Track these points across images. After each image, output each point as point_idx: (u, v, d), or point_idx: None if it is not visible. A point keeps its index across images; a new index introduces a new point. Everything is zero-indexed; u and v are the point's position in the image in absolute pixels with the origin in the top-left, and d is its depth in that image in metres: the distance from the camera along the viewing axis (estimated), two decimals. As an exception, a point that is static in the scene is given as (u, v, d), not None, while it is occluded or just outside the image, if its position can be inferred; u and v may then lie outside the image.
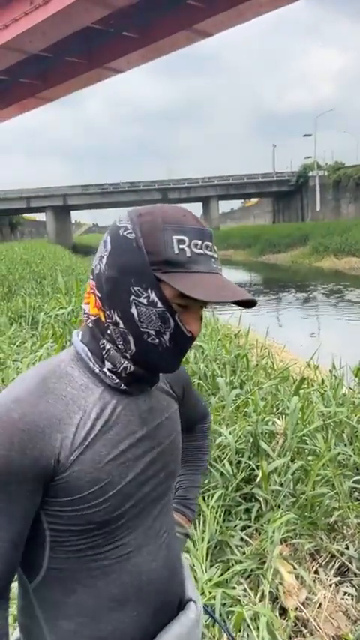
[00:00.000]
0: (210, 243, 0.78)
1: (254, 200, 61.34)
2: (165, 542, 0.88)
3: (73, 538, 0.78)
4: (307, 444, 2.73)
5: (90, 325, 0.82)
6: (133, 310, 0.77)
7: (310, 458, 2.64)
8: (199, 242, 0.76)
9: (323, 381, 3.79)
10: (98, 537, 0.79)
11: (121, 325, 0.78)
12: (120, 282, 0.77)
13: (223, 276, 0.80)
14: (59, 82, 43.21)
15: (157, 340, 0.78)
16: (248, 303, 0.79)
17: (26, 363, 3.45)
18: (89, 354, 0.81)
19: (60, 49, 36.71)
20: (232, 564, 2.08)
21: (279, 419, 2.84)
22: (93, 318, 0.81)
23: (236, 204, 75.86)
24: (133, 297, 0.76)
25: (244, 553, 2.14)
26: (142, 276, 0.76)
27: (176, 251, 0.75)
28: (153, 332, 0.77)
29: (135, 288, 0.76)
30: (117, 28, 35.23)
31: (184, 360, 1.05)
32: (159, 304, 0.76)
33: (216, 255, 0.80)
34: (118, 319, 0.78)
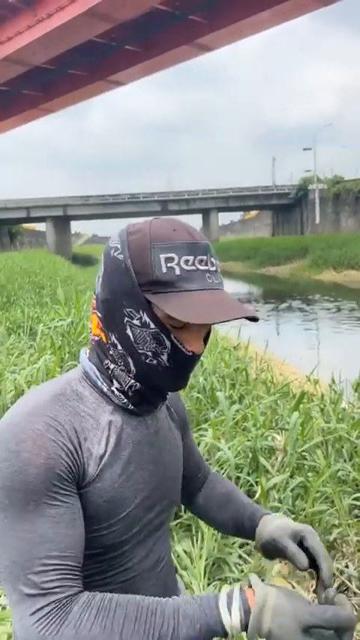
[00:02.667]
0: (204, 257, 0.75)
1: (254, 213, 61.67)
2: (163, 568, 0.87)
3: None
4: (306, 459, 2.71)
5: (95, 346, 0.82)
6: (129, 332, 0.76)
7: (309, 474, 2.61)
8: (190, 258, 0.73)
9: (323, 395, 3.76)
10: (103, 563, 0.78)
11: (119, 347, 0.78)
12: (113, 304, 0.76)
13: (222, 290, 0.76)
14: (61, 94, 43.60)
15: (155, 361, 0.76)
16: (252, 317, 0.77)
17: (24, 374, 3.42)
18: (97, 372, 0.80)
19: (62, 61, 37.11)
20: (230, 582, 2.05)
21: (278, 434, 2.82)
22: (96, 338, 0.81)
23: (236, 216, 76.35)
24: (127, 318, 0.75)
25: (242, 571, 2.11)
26: (133, 298, 0.74)
27: (164, 270, 0.72)
28: (150, 353, 0.76)
29: (127, 310, 0.75)
30: (119, 42, 35.63)
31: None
32: (152, 325, 0.74)
33: (213, 269, 0.76)
34: (116, 341, 0.78)
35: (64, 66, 38.27)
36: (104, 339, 0.79)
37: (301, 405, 3.18)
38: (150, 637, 0.64)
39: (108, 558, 0.78)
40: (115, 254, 0.76)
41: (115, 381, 0.80)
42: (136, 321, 0.75)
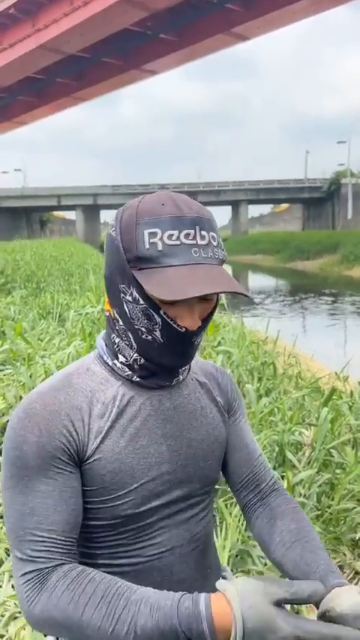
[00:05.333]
0: (191, 231, 0.72)
1: (284, 206, 60.94)
2: (200, 549, 0.87)
3: (102, 534, 0.79)
4: (333, 456, 2.68)
5: (105, 321, 0.85)
6: (125, 308, 0.77)
7: (337, 471, 2.58)
8: (175, 232, 0.72)
9: (352, 392, 3.71)
10: (128, 534, 0.79)
11: (121, 322, 0.80)
12: (111, 280, 0.79)
13: (213, 265, 0.73)
14: (95, 83, 43.76)
15: (150, 337, 0.77)
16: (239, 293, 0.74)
17: (54, 359, 3.47)
18: (104, 348, 0.84)
19: (97, 50, 37.18)
20: (253, 575, 2.05)
21: (306, 429, 2.79)
22: (107, 314, 0.84)
23: (266, 209, 75.59)
24: (122, 294, 0.77)
25: (265, 564, 2.11)
26: (123, 274, 0.76)
27: (147, 246, 0.72)
28: (144, 329, 0.77)
29: (121, 286, 0.77)
30: (154, 31, 35.47)
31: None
32: (141, 302, 0.75)
33: (203, 242, 0.73)
34: (117, 316, 0.80)
35: (98, 54, 38.33)
36: (111, 314, 0.82)
37: (330, 402, 3.14)
38: (110, 618, 0.66)
39: (130, 529, 0.79)
40: (111, 232, 0.78)
41: (120, 355, 0.81)
42: (128, 297, 0.76)
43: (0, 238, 30.83)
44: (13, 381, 3.41)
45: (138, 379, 0.82)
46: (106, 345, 0.84)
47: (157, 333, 0.76)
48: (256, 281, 26.32)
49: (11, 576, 2.01)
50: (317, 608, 0.72)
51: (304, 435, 2.72)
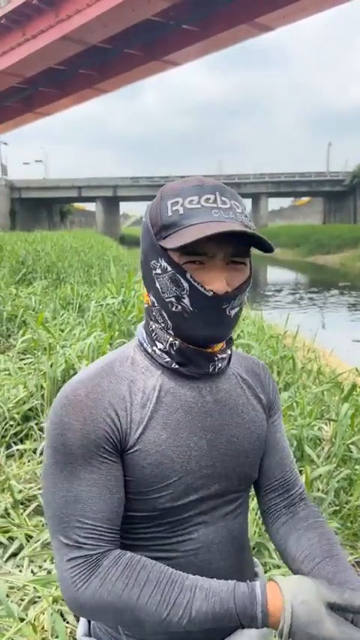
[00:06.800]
0: (211, 196, 0.75)
1: (305, 199, 60.21)
2: (238, 546, 0.86)
3: (139, 525, 0.79)
4: (352, 452, 2.66)
5: (144, 312, 0.87)
6: (157, 285, 0.79)
7: (356, 467, 2.56)
8: (195, 198, 0.75)
9: (372, 389, 3.66)
10: (165, 527, 0.79)
11: (156, 303, 0.81)
12: (144, 262, 0.81)
13: (234, 222, 0.74)
14: (116, 74, 43.64)
15: (179, 307, 0.77)
16: (264, 247, 0.76)
17: (75, 349, 3.50)
18: (144, 335, 0.85)
19: (119, 40, 37.05)
20: (270, 568, 2.05)
21: (326, 424, 2.78)
22: (145, 305, 0.86)
23: (286, 202, 74.80)
24: (153, 272, 0.79)
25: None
26: (153, 250, 0.78)
27: (170, 213, 0.75)
28: (174, 299, 0.77)
29: (152, 263, 0.79)
30: (177, 21, 35.17)
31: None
32: (169, 268, 0.76)
33: (225, 206, 0.75)
34: (153, 298, 0.81)
35: (120, 45, 38.20)
36: (149, 302, 0.83)
37: (350, 397, 3.11)
38: (165, 603, 0.68)
39: (167, 523, 0.79)
40: (144, 218, 0.81)
41: (158, 342, 0.82)
42: (158, 270, 0.77)
43: (21, 229, 31.13)
44: (34, 370, 3.45)
45: (177, 366, 0.81)
46: (145, 333, 0.85)
47: (186, 301, 0.76)
48: (275, 274, 26.10)
49: (31, 561, 2.05)
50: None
51: (323, 430, 2.70)
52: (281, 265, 29.13)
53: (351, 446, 2.66)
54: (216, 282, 0.75)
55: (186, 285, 0.75)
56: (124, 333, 4.10)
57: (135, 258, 14.42)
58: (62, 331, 4.40)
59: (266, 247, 0.76)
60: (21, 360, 3.98)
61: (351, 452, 2.65)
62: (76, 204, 61.94)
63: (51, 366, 3.24)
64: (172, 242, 0.73)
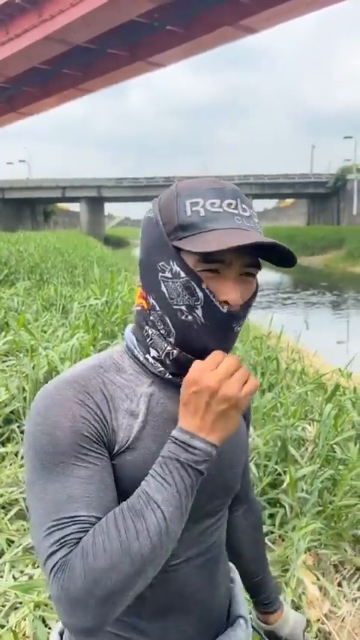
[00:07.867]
0: (233, 202, 0.72)
1: (289, 201, 60.65)
2: (214, 557, 0.85)
3: None
4: (335, 452, 2.67)
5: (136, 316, 0.81)
6: (163, 289, 0.73)
7: (339, 467, 2.57)
8: (217, 201, 0.71)
9: (355, 389, 3.70)
10: None
11: (158, 308, 0.75)
12: (148, 262, 0.76)
13: (255, 232, 0.72)
14: (100, 74, 43.47)
15: (190, 317, 0.72)
16: (288, 261, 0.74)
17: (57, 351, 3.46)
18: (135, 342, 0.80)
19: (103, 41, 36.91)
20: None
21: (309, 425, 2.78)
22: (138, 308, 0.80)
23: (270, 204, 75.23)
24: (160, 274, 0.74)
25: (266, 559, 2.10)
26: (162, 250, 0.73)
27: (189, 213, 0.71)
28: (184, 307, 0.72)
29: (159, 264, 0.73)
30: (161, 22, 35.17)
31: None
32: (182, 274, 0.71)
33: (245, 214, 0.73)
34: (154, 302, 0.76)
35: (104, 45, 38.07)
36: (145, 305, 0.78)
37: (334, 398, 3.13)
38: (139, 522, 0.64)
39: None
40: (148, 215, 0.77)
41: (152, 349, 0.77)
42: (167, 274, 0.73)
43: (4, 229, 30.79)
44: (16, 372, 3.41)
45: (170, 377, 0.77)
46: (137, 339, 0.80)
47: (199, 312, 0.72)
48: (259, 276, 26.19)
49: (13, 566, 2.01)
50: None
51: (306, 431, 2.71)
52: (265, 266, 29.21)
53: (334, 446, 2.67)
54: (231, 292, 0.72)
55: (201, 295, 0.71)
56: (108, 334, 4.07)
57: (119, 259, 14.37)
58: (45, 332, 4.35)
59: (288, 263, 0.74)
60: (3, 362, 3.92)
61: (334, 452, 2.66)
62: (60, 205, 61.52)
63: (33, 368, 3.20)
64: (193, 245, 0.69)
